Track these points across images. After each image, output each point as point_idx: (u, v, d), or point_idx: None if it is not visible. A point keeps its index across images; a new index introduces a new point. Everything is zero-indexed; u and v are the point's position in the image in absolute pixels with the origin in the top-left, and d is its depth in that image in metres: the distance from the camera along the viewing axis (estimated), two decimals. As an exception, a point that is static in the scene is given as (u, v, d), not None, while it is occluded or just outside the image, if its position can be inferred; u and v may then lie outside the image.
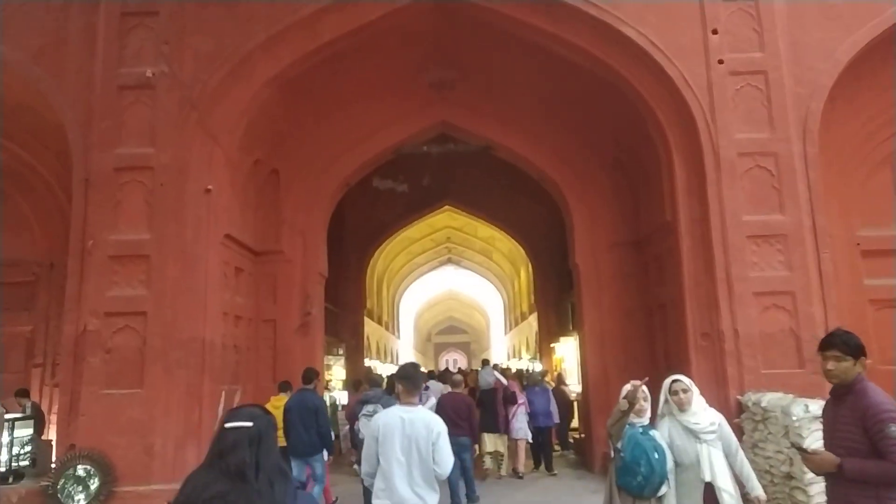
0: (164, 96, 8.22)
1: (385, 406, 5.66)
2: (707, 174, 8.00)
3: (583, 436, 11.23)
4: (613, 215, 9.99)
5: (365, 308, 17.03)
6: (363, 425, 6.79)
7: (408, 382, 4.07)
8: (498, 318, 40.91)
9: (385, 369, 26.55)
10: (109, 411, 7.47)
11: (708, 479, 3.97)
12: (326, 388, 13.27)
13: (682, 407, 4.11)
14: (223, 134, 8.41)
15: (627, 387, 4.16)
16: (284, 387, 8.45)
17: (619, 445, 4.06)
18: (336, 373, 14.49)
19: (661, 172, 8.57)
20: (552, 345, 15.51)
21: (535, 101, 10.08)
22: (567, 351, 14.57)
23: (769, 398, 7.01)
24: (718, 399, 7.62)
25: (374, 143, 10.38)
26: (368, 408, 6.94)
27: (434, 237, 28.97)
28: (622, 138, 9.70)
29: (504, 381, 11.02)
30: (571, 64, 8.86)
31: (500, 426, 9.80)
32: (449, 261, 34.25)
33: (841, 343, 3.09)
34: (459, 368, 31.96)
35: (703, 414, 4.14)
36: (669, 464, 4.01)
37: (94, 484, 7.22)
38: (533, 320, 25.99)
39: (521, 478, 9.88)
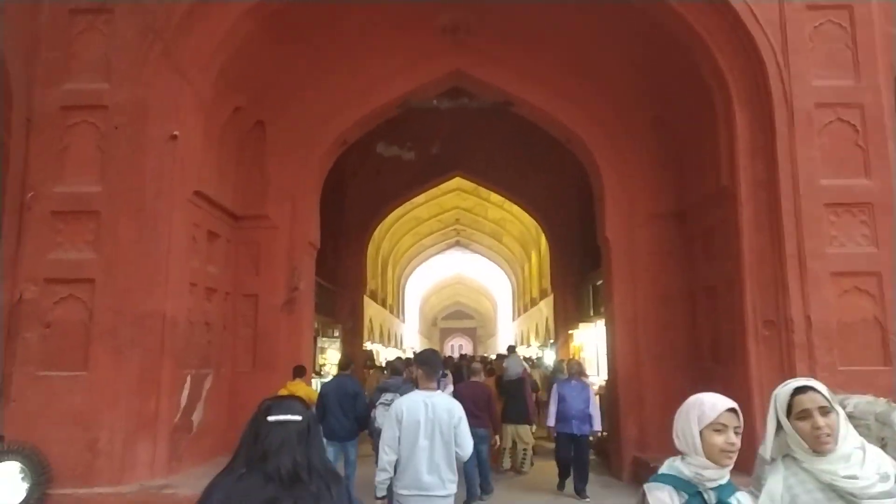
0: (122, 23, 6.87)
1: (403, 395, 5.59)
2: (777, 129, 6.58)
3: (605, 434, 9.89)
4: (652, 182, 8.56)
5: (366, 287, 15.67)
6: (380, 414, 6.35)
7: (427, 367, 4.09)
8: (506, 303, 39.94)
9: (388, 353, 25.42)
10: (46, 397, 6.21)
11: None
12: (318, 374, 11.99)
13: (822, 445, 2.05)
14: (194, 71, 7.03)
15: None
16: (300, 371, 7.97)
17: None
18: (330, 356, 13.18)
19: (718, 129, 7.13)
20: (570, 331, 14.11)
21: (564, 49, 8.62)
22: (587, 338, 13.20)
23: (856, 402, 5.57)
24: (784, 401, 6.25)
25: (377, 94, 8.94)
26: (387, 396, 6.48)
27: (442, 218, 27.96)
28: (665, 92, 8.25)
29: (529, 370, 9.95)
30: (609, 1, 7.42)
31: (532, 417, 9.17)
32: (457, 243, 33.30)
33: None
34: (483, 357, 30.68)
35: (861, 460, 2.04)
36: None
37: (25, 484, 5.94)
38: (544, 306, 24.70)
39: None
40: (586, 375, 10.52)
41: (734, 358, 6.83)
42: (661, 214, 8.49)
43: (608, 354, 9.19)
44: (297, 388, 7.67)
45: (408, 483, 3.78)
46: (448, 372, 11.12)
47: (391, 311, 30.98)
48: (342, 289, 14.05)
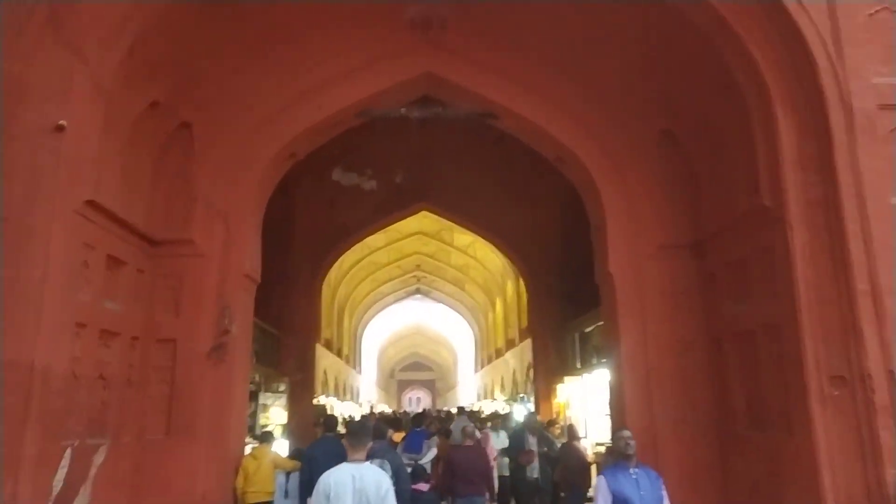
0: (-2, -21, 5.23)
1: (392, 462, 5.62)
2: (834, 135, 5.28)
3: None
4: (662, 208, 7.19)
5: (319, 334, 13.82)
6: None
7: (353, 439, 4.20)
8: (467, 354, 38.33)
9: (343, 408, 23.40)
10: None
11: None
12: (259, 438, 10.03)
13: None
14: (92, 48, 5.39)
15: None
16: (267, 437, 7.58)
17: None
18: (274, 415, 11.21)
19: (754, 138, 5.79)
20: (556, 385, 12.44)
21: (556, 50, 7.31)
22: (573, 394, 11.63)
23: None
24: (866, 481, 4.77)
25: (332, 98, 7.40)
26: (374, 462, 5.62)
27: (402, 264, 26.67)
28: (677, 100, 6.96)
29: (479, 435, 8.34)
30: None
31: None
32: (417, 291, 31.92)
33: None
34: (424, 409, 28.84)
35: None
36: None
37: None
38: (511, 357, 23.09)
39: None
40: (578, 438, 8.94)
41: (789, 425, 5.33)
42: (673, 246, 7.09)
43: (613, 415, 7.59)
44: (263, 453, 7.05)
45: None
46: (432, 432, 9.47)
47: (347, 363, 29.07)
48: (291, 335, 12.19)
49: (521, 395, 20.08)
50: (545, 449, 7.82)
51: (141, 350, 6.56)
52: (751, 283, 6.06)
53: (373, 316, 34.26)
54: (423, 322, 41.18)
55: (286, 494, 7.12)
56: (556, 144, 7.63)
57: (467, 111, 7.87)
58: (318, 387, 20.87)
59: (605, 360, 9.71)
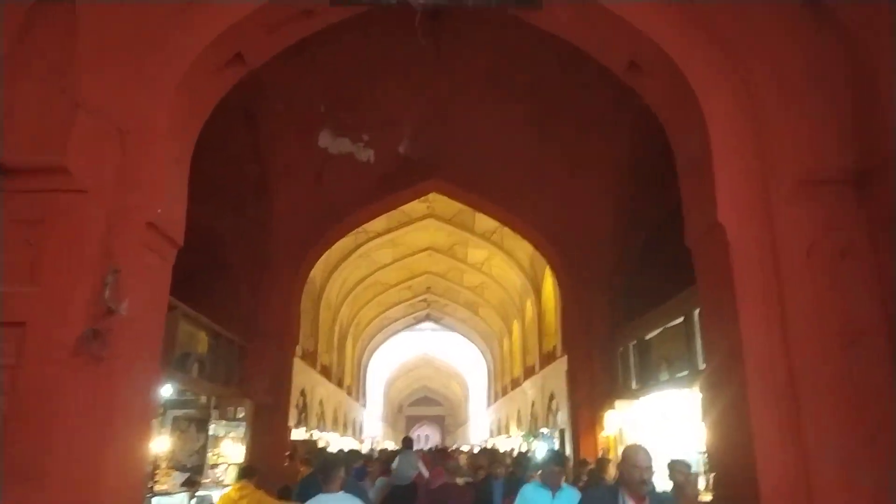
0: None
1: (362, 497, 5.42)
2: None
3: None
4: (805, 124, 4.60)
5: (296, 344, 11.12)
6: None
7: (325, 473, 4.55)
8: (480, 387, 35.61)
9: (343, 443, 20.96)
10: None
11: None
12: (195, 484, 7.36)
13: None
14: None
15: None
16: (248, 472, 6.42)
17: None
18: (226, 451, 8.48)
19: None
20: (603, 413, 9.56)
21: None
22: (627, 424, 8.87)
23: None
24: None
25: (296, -33, 4.99)
26: None
27: (412, 285, 24.42)
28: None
29: (426, 473, 7.47)
30: None
31: None
32: (427, 317, 29.60)
33: None
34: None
35: None
36: None
37: None
38: (530, 387, 20.32)
39: None
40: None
41: None
42: (827, 180, 4.49)
43: (719, 451, 4.84)
44: (249, 491, 5.95)
45: None
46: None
47: (349, 394, 26.48)
48: (259, 343, 9.53)
49: (542, 430, 17.27)
50: None
51: (-35, 336, 4.00)
52: None
53: (379, 344, 31.84)
54: (434, 352, 38.73)
55: None
56: (634, 37, 5.05)
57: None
58: (314, 419, 18.24)
59: (682, 374, 7.03)
